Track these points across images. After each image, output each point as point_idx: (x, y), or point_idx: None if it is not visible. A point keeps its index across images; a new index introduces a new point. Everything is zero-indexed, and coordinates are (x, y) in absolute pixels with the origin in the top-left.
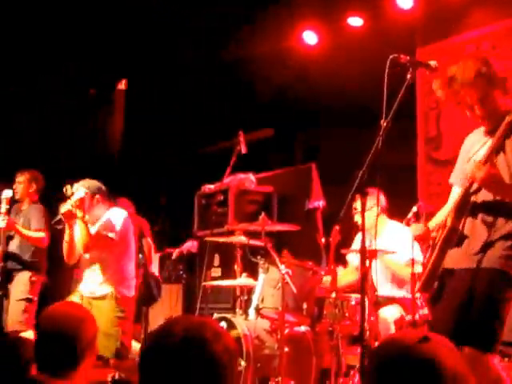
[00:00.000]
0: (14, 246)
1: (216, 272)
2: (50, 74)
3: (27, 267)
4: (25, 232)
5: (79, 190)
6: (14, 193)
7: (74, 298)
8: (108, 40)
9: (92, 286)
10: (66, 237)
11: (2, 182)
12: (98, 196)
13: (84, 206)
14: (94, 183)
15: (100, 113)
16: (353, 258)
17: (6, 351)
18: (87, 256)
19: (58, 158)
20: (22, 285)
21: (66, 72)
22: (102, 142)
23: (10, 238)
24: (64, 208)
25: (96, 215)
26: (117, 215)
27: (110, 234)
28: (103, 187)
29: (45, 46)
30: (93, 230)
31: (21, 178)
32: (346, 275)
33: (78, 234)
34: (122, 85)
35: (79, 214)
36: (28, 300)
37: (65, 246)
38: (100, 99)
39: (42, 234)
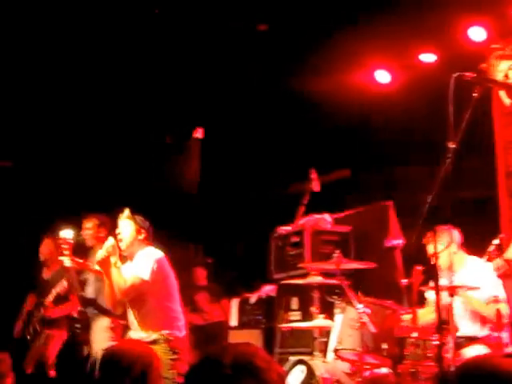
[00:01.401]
0: (90, 291)
1: (295, 315)
2: (128, 121)
3: (104, 313)
4: (95, 267)
5: (109, 239)
6: (84, 239)
7: None
8: (184, 89)
9: (141, 332)
10: (106, 287)
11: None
12: (143, 231)
13: (116, 252)
14: (141, 218)
15: (176, 160)
16: (433, 297)
17: None
18: (127, 302)
19: (136, 205)
20: (102, 332)
21: (143, 119)
22: (178, 190)
23: (84, 282)
24: (98, 256)
25: (133, 252)
26: (149, 255)
27: (143, 276)
28: (148, 224)
29: (123, 94)
30: (128, 271)
31: (88, 224)
32: (426, 314)
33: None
34: (199, 133)
35: (113, 260)
36: None
37: (107, 296)
38: (176, 147)
39: None
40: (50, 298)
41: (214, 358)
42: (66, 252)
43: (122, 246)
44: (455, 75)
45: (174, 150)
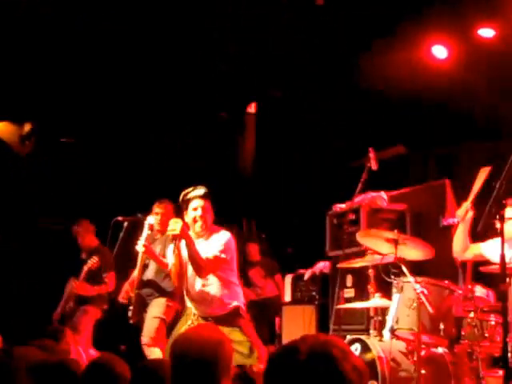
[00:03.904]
0: (150, 273)
1: (349, 293)
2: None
3: (163, 294)
4: (160, 258)
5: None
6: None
7: (189, 320)
8: (238, 64)
9: (212, 307)
10: (175, 259)
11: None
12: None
13: (189, 227)
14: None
15: (231, 136)
16: (486, 250)
17: (147, 375)
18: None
19: (191, 180)
20: (158, 306)
21: (198, 95)
22: (233, 166)
23: (145, 266)
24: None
25: (206, 231)
26: (226, 235)
27: (224, 256)
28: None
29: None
30: (208, 250)
31: (161, 210)
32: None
33: (186, 255)
34: (252, 108)
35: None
36: (162, 320)
37: (174, 268)
38: (231, 123)
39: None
40: (82, 274)
41: (292, 345)
42: (146, 237)
43: (202, 226)
44: None
45: (230, 125)
